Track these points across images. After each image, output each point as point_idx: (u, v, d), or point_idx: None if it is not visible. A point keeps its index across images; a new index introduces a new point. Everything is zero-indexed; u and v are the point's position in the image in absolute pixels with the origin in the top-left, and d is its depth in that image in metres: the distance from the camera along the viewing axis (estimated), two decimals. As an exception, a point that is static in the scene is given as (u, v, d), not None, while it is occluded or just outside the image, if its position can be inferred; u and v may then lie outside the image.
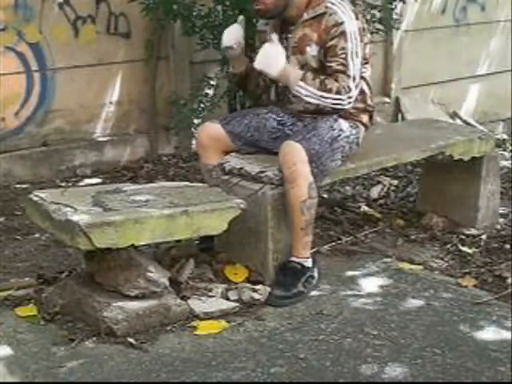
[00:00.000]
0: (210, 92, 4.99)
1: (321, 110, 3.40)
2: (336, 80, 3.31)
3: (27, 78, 4.76)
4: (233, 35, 3.46)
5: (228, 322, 3.05)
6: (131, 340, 2.89)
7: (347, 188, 4.62)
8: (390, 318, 3.10)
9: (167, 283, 3.05)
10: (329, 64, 3.35)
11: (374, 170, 4.03)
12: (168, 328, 2.99)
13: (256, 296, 3.18)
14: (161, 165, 5.13)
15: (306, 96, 3.32)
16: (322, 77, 3.32)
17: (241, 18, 3.52)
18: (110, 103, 5.10)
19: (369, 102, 3.56)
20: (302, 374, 2.71)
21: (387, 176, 4.82)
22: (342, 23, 3.32)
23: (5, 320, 3.05)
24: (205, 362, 2.78)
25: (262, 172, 3.35)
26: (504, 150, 5.60)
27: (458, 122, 6.30)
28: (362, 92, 3.47)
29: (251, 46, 4.70)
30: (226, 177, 3.44)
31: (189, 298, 3.12)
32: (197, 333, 2.97)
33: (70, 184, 4.70)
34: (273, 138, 3.52)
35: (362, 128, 3.55)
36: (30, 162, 4.81)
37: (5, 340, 2.90)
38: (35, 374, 2.70)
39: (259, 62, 3.31)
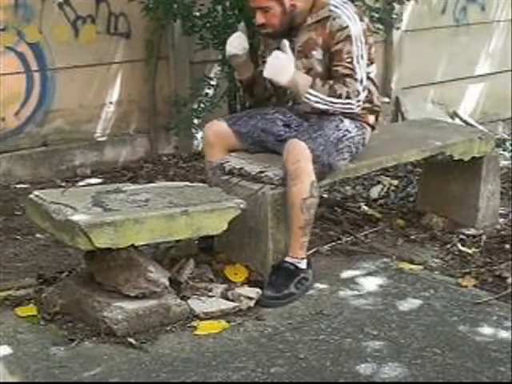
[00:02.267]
0: (210, 92, 4.99)
1: (327, 110, 3.41)
2: (344, 84, 3.32)
3: (27, 78, 4.76)
4: (236, 43, 3.48)
5: (228, 321, 3.05)
6: (131, 340, 2.89)
7: (347, 188, 4.62)
8: (390, 317, 3.10)
9: (167, 283, 3.05)
10: (335, 68, 3.36)
11: (374, 170, 4.03)
12: (168, 328, 2.99)
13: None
14: (161, 165, 5.13)
15: (316, 103, 3.34)
16: (331, 82, 3.34)
17: (242, 25, 3.53)
18: (110, 103, 5.09)
19: (375, 101, 3.57)
20: (302, 373, 2.71)
21: (387, 176, 4.81)
22: (346, 27, 3.33)
23: (5, 320, 3.05)
24: (205, 362, 2.78)
25: (262, 172, 3.35)
26: (504, 150, 5.60)
27: (458, 121, 6.29)
28: (368, 92, 3.49)
29: (251, 46, 4.72)
30: (226, 177, 3.44)
31: (189, 297, 3.12)
32: (197, 333, 2.97)
33: (70, 184, 4.69)
34: (278, 141, 3.51)
35: (368, 128, 3.56)
36: (30, 161, 4.81)
37: (5, 340, 2.90)
38: (35, 374, 2.70)
39: (268, 71, 3.32)
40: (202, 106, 4.91)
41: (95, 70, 4.98)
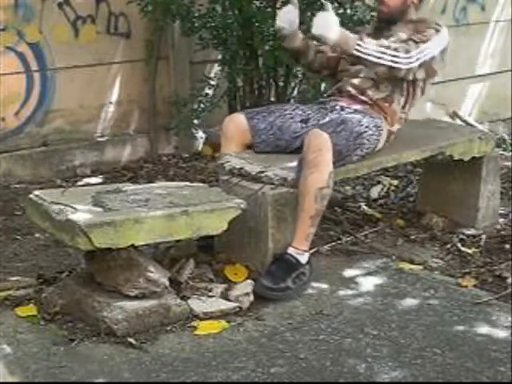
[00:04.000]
0: (210, 92, 4.99)
1: (362, 106, 3.55)
2: (396, 41, 3.44)
3: (27, 77, 4.76)
4: (286, 18, 3.57)
5: (228, 321, 3.05)
6: (131, 340, 2.89)
7: (347, 188, 4.62)
8: (390, 317, 3.10)
9: (167, 283, 3.05)
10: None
11: (374, 170, 4.03)
12: (168, 328, 2.99)
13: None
14: (161, 165, 5.12)
15: (365, 54, 3.40)
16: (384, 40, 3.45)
17: (295, 0, 3.60)
18: (110, 103, 5.09)
19: (406, 109, 3.68)
20: (302, 373, 2.71)
21: (387, 176, 4.81)
22: (438, 31, 3.54)
23: (5, 320, 3.05)
24: (205, 362, 2.78)
25: (262, 172, 3.35)
26: (504, 150, 5.59)
27: (458, 122, 6.29)
28: (413, 96, 3.64)
29: (251, 46, 4.72)
30: (226, 177, 3.44)
31: (189, 297, 3.12)
32: (197, 333, 2.97)
33: (70, 184, 4.69)
34: (293, 138, 3.54)
35: (385, 133, 3.60)
36: (30, 161, 4.81)
37: (5, 340, 2.90)
38: (35, 374, 2.70)
39: (316, 28, 3.37)
40: (202, 106, 4.91)
41: (95, 70, 4.98)
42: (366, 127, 3.47)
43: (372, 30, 3.70)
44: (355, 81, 3.67)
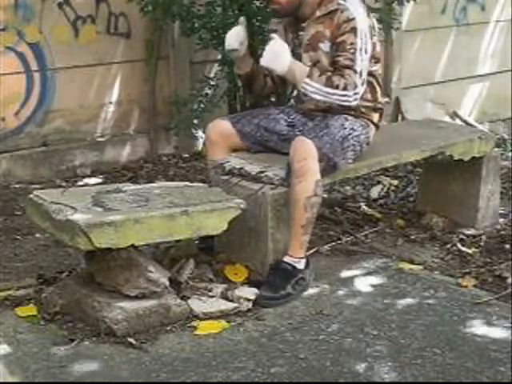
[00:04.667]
0: (210, 92, 4.99)
1: (331, 107, 3.42)
2: (342, 76, 3.31)
3: (27, 78, 4.76)
4: (235, 37, 3.46)
5: (228, 322, 3.05)
6: (131, 340, 2.89)
7: (347, 188, 4.62)
8: (390, 317, 3.10)
9: (167, 283, 3.05)
10: (336, 59, 3.36)
11: (374, 170, 4.03)
12: (168, 328, 2.99)
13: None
14: (161, 165, 5.13)
15: (312, 93, 3.33)
16: (329, 73, 3.33)
17: (242, 19, 3.53)
18: (110, 103, 5.10)
19: (379, 99, 3.58)
20: (302, 373, 2.71)
21: (387, 176, 4.81)
22: (352, 19, 3.35)
23: (5, 320, 3.05)
24: (205, 362, 2.78)
25: (262, 172, 3.35)
26: (504, 150, 5.60)
27: (458, 121, 6.29)
28: (372, 89, 3.51)
29: (251, 46, 4.72)
30: (226, 177, 3.44)
31: (189, 297, 3.12)
32: (197, 333, 2.97)
33: (70, 184, 4.70)
34: (282, 140, 3.53)
35: (373, 127, 3.57)
36: (30, 161, 4.81)
37: (5, 340, 2.90)
38: (35, 374, 2.70)
39: (265, 60, 3.31)
40: (202, 106, 4.91)
41: (95, 69, 4.98)
42: (351, 129, 3.44)
43: (284, 27, 3.59)
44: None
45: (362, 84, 3.36)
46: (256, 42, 4.67)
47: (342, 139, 3.38)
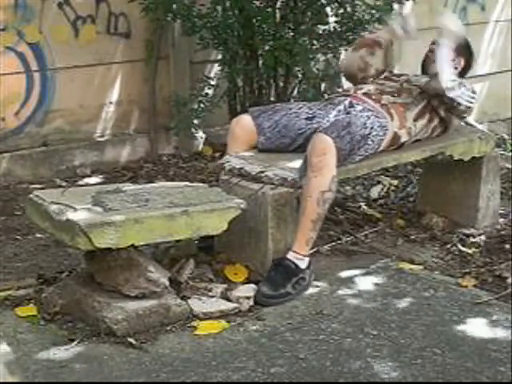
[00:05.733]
0: (210, 92, 4.99)
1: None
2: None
3: (27, 78, 4.76)
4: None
5: (228, 322, 3.05)
6: (131, 340, 2.89)
7: (347, 188, 4.62)
8: (390, 317, 3.10)
9: (167, 283, 3.05)
10: None
11: (374, 170, 4.03)
12: (168, 328, 2.99)
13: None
14: (161, 165, 5.12)
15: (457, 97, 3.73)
16: None
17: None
18: (110, 103, 5.09)
19: (418, 124, 3.75)
20: (302, 373, 2.71)
21: (387, 176, 4.81)
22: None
23: (5, 320, 3.05)
24: (205, 362, 2.78)
25: (262, 172, 3.35)
26: (504, 150, 5.59)
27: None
28: (429, 119, 3.78)
29: (251, 46, 4.72)
30: (226, 177, 3.44)
31: (189, 297, 3.12)
32: (197, 333, 2.97)
33: (69, 184, 4.70)
34: (298, 134, 3.55)
35: (390, 134, 3.60)
36: (30, 161, 4.81)
37: (5, 340, 2.90)
38: (35, 374, 2.70)
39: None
40: (202, 106, 4.91)
41: (95, 69, 4.98)
42: (371, 128, 3.48)
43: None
44: (380, 86, 3.73)
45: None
46: (256, 42, 4.68)
47: (361, 138, 3.42)
